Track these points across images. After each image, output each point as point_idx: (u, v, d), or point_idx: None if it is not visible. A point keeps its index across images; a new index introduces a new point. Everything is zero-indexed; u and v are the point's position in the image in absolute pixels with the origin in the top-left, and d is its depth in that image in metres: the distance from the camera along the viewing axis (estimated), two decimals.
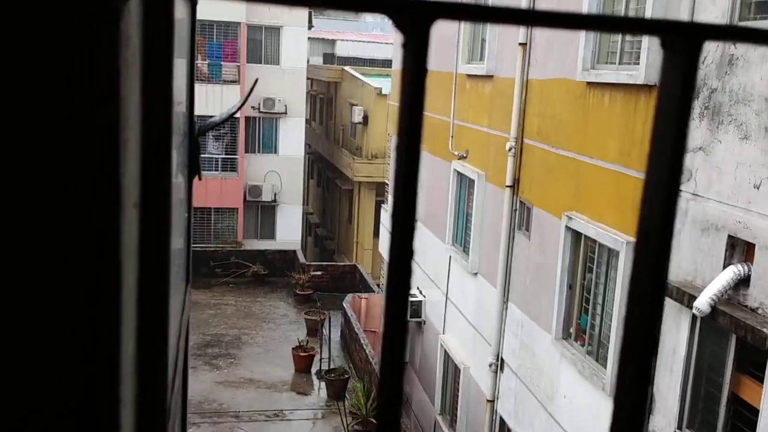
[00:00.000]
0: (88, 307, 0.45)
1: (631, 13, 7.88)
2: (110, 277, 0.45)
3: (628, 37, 7.96)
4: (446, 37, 13.17)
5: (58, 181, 0.44)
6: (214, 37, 24.95)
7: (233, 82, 24.87)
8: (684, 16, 6.63)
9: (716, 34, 0.49)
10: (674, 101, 0.47)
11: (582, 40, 8.47)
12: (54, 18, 0.42)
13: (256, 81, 3.12)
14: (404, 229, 0.44)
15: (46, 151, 0.43)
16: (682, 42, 0.46)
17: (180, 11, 1.11)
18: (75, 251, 0.44)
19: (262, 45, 25.87)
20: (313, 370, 17.28)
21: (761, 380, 5.77)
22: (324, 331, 17.95)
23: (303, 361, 17.24)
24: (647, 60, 7.23)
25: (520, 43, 10.10)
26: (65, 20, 0.42)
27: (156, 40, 0.59)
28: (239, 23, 24.85)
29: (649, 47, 7.22)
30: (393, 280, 0.46)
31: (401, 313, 0.47)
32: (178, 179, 1.31)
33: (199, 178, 1.54)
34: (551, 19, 0.43)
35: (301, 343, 17.49)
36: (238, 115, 24.74)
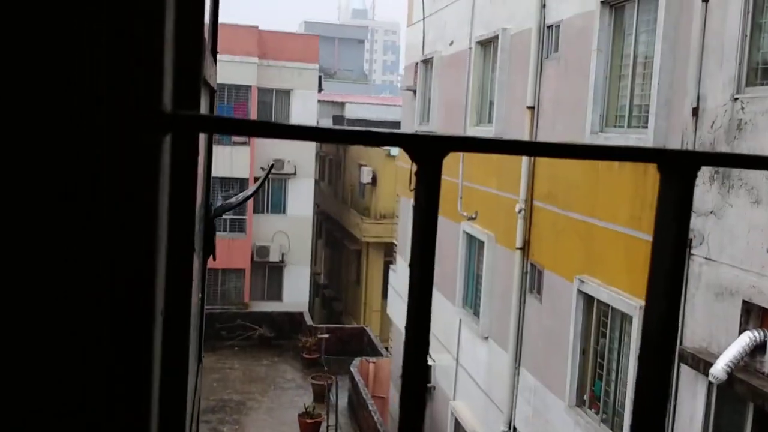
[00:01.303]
0: (120, 414, 0.47)
1: (638, 78, 8.01)
2: (141, 397, 0.47)
3: (636, 101, 8.08)
4: (455, 100, 13.40)
5: (99, 293, 0.46)
6: (225, 99, 25.47)
7: (243, 143, 25.25)
8: (691, 84, 6.73)
9: (710, 161, 0.51)
10: (671, 226, 0.48)
11: (590, 103, 8.59)
12: (106, 147, 0.45)
13: (272, 166, 3.19)
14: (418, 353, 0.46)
15: (94, 266, 0.46)
16: (677, 169, 0.48)
17: (203, 103, 1.16)
18: (109, 360, 0.46)
19: (273, 107, 26.35)
20: None
21: None
22: (331, 396, 17.65)
23: (309, 428, 16.89)
24: (656, 123, 7.31)
25: (528, 107, 10.26)
26: (115, 150, 0.45)
27: (183, 168, 0.63)
28: (250, 86, 25.39)
29: (657, 112, 7.31)
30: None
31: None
32: (194, 262, 1.34)
33: (214, 259, 1.57)
34: (553, 149, 0.45)
35: (308, 409, 17.16)
36: (247, 175, 25.02)
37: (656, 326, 0.55)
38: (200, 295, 1.50)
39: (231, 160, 24.60)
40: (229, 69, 24.41)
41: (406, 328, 0.47)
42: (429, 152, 0.45)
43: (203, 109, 1.08)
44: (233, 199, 2.34)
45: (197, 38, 0.75)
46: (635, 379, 0.54)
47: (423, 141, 0.45)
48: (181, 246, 0.69)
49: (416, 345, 0.44)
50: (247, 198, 2.42)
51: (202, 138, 1.34)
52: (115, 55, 0.44)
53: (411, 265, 0.46)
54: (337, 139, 0.45)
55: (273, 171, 25.91)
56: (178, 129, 0.47)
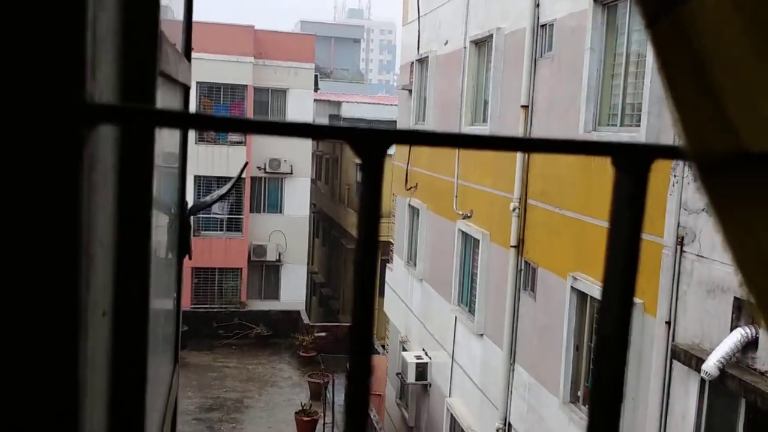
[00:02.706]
0: (46, 421, 0.46)
1: (631, 77, 8.02)
2: (68, 399, 0.46)
3: (629, 99, 8.08)
4: (450, 100, 13.40)
5: (14, 301, 0.45)
6: (221, 99, 25.43)
7: (239, 143, 25.22)
8: None
9: (665, 154, 0.50)
10: (625, 219, 0.48)
11: (584, 101, 8.60)
12: (14, 144, 0.44)
13: (246, 164, 3.20)
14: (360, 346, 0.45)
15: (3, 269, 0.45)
16: (631, 163, 0.48)
17: (171, 100, 1.15)
18: (30, 361, 0.45)
19: (269, 107, 26.31)
20: None
21: None
22: (328, 394, 17.67)
23: (306, 426, 16.91)
24: (648, 121, 7.32)
25: (522, 106, 10.26)
26: (26, 146, 0.44)
27: (135, 164, 0.61)
28: (246, 86, 25.35)
29: (650, 110, 7.32)
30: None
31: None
32: (168, 258, 1.33)
33: (189, 258, 1.56)
34: (504, 143, 0.45)
35: (305, 407, 17.19)
36: (243, 174, 24.98)
37: (610, 328, 0.54)
38: (176, 296, 1.49)
39: (228, 159, 24.58)
40: (225, 68, 24.38)
41: (351, 323, 0.46)
42: (371, 146, 0.45)
43: (166, 105, 1.07)
44: (208, 198, 2.34)
45: (150, 32, 0.74)
46: (592, 376, 0.54)
47: (364, 135, 0.45)
48: (135, 244, 0.68)
49: (360, 342, 0.44)
50: (222, 196, 2.42)
51: (174, 134, 1.33)
52: (25, 42, 0.43)
53: (355, 260, 0.46)
54: (276, 131, 0.44)
55: (270, 170, 25.91)
56: (101, 120, 0.45)
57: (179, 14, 1.40)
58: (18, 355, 0.46)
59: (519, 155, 10.27)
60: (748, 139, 0.47)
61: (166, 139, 1.08)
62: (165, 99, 1.01)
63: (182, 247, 1.47)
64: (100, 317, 0.55)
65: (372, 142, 0.45)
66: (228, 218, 25.74)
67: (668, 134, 7.03)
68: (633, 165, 0.51)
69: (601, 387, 0.55)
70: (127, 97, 0.64)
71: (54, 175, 0.44)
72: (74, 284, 0.45)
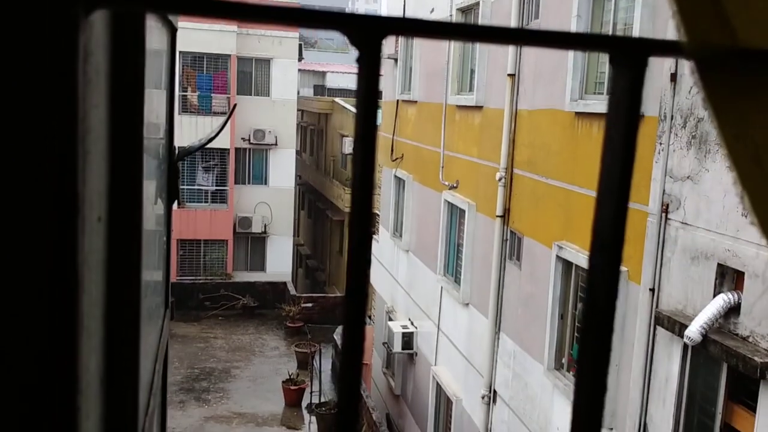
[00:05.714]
0: (45, 318, 0.46)
1: (621, 21, 8.00)
2: (67, 288, 0.46)
3: None
4: (436, 69, 13.32)
5: (9, 190, 0.44)
6: (204, 69, 25.13)
7: (223, 113, 24.99)
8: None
9: (662, 49, 0.51)
10: (623, 114, 0.48)
11: (570, 70, 8.58)
12: (8, 28, 0.43)
13: (234, 106, 3.17)
14: (361, 237, 0.45)
15: None
16: (629, 57, 0.48)
17: (159, 42, 1.13)
18: (29, 259, 0.44)
19: (252, 77, 26.06)
20: (304, 403, 17.09)
21: (754, 410, 5.74)
22: (315, 363, 17.80)
23: (293, 395, 17.05)
24: None
25: (508, 74, 10.22)
26: (20, 31, 0.43)
27: (126, 59, 0.60)
28: (229, 55, 25.07)
29: None
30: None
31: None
32: (157, 204, 1.32)
33: (179, 204, 1.55)
34: (496, 34, 0.44)
35: (292, 377, 17.31)
36: (228, 146, 24.82)
37: (605, 227, 0.54)
38: (165, 239, 1.49)
39: (211, 130, 24.37)
40: (208, 38, 24.05)
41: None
42: (369, 34, 0.44)
43: (162, 47, 1.05)
44: (196, 142, 2.33)
45: None
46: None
47: (362, 22, 0.44)
48: (128, 139, 0.67)
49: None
50: (210, 140, 2.41)
51: (163, 63, 1.31)
52: None
53: (353, 155, 0.45)
54: (266, 18, 0.43)
55: (254, 142, 25.74)
56: (97, 3, 0.44)
57: None
58: (17, 243, 0.45)
59: (505, 125, 10.26)
60: (743, 35, 0.47)
61: (152, 99, 1.06)
62: (153, 39, 0.99)
63: (171, 192, 1.46)
64: (95, 221, 0.55)
65: (369, 30, 0.44)
66: (213, 190, 25.62)
67: (654, 101, 7.04)
68: (630, 59, 0.51)
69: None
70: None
71: (49, 61, 0.43)
72: (72, 182, 0.44)
